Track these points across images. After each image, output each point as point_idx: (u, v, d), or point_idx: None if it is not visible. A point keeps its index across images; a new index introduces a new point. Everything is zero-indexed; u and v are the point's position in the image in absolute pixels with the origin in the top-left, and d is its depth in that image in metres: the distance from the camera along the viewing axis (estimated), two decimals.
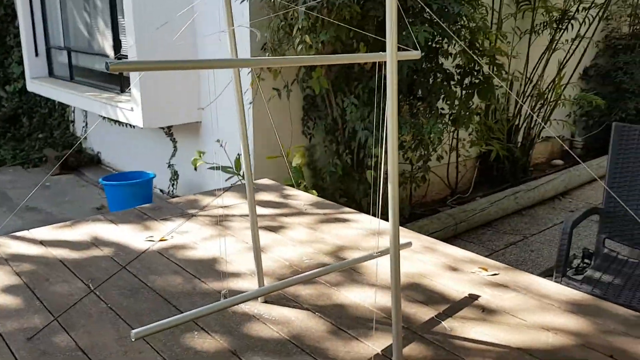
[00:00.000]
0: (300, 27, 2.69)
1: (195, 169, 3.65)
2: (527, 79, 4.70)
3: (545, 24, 4.62)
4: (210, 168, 3.52)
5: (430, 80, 3.49)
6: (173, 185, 4.41)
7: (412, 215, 3.94)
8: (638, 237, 2.32)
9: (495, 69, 3.64)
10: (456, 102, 3.51)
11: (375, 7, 2.93)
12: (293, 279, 1.30)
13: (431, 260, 1.56)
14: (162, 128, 4.30)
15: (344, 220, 1.89)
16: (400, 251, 1.26)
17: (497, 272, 1.47)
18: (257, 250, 1.33)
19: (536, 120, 4.87)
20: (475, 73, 3.64)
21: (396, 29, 1.06)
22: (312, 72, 3.27)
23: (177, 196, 3.29)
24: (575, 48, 4.74)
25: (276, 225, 1.85)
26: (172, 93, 3.76)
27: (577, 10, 4.56)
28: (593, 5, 4.59)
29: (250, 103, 3.29)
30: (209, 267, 1.55)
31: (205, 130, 3.97)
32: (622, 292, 2.03)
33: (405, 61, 3.08)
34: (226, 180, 3.42)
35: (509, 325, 1.22)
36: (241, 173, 3.38)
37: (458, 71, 3.65)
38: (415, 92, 3.50)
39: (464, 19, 3.31)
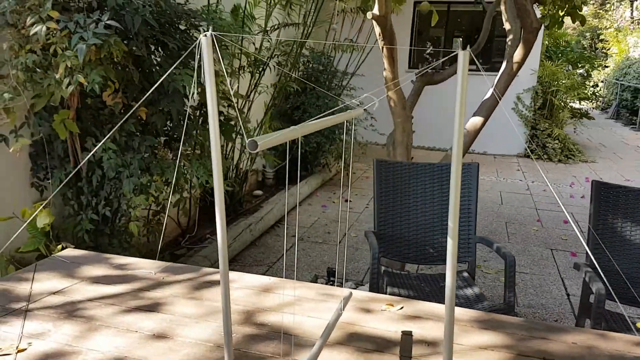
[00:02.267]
0: (69, 65, 2.29)
1: None
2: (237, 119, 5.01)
3: (243, 68, 5.04)
4: None
5: (183, 122, 3.41)
6: None
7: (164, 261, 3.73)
8: (405, 252, 2.82)
9: (233, 110, 3.82)
10: (206, 143, 3.53)
11: (139, 46, 2.72)
12: None
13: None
14: None
15: (216, 282, 1.74)
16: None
17: (402, 306, 1.63)
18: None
19: (248, 156, 5.24)
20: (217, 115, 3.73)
21: (213, 79, 1.06)
22: (54, 115, 2.79)
23: None
24: (275, 91, 5.31)
25: (150, 303, 1.57)
26: None
27: (271, 57, 5.15)
28: (276, 55, 5.26)
29: None
30: None
31: None
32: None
33: (174, 105, 2.95)
34: None
35: (458, 352, 1.40)
36: None
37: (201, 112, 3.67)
38: (173, 135, 3.37)
39: None
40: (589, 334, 1.48)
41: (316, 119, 1.07)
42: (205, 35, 1.00)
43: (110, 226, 3.24)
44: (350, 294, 1.54)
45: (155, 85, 2.80)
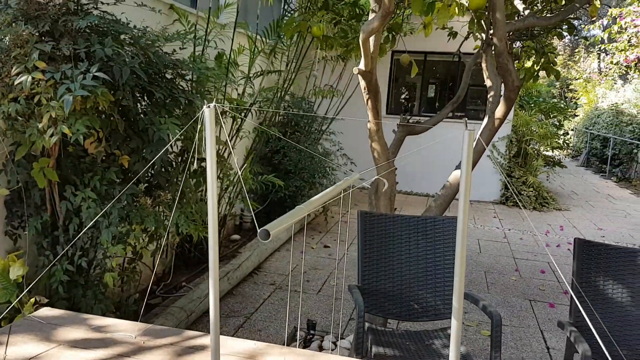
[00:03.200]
0: (54, 115, 2.25)
1: None
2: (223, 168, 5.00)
3: (226, 113, 5.05)
4: None
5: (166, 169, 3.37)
6: None
7: (135, 313, 3.61)
8: (388, 308, 2.79)
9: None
10: (190, 192, 3.48)
11: (126, 96, 2.70)
12: None
13: None
14: None
15: (200, 348, 1.68)
16: None
17: None
18: None
19: (227, 200, 5.19)
20: (199, 161, 3.71)
21: (214, 147, 1.07)
22: (33, 163, 2.73)
23: None
24: (256, 135, 5.32)
25: None
26: None
27: (254, 102, 5.18)
28: (258, 101, 5.30)
29: None
30: None
31: None
32: None
33: (166, 153, 2.92)
34: None
35: None
36: None
37: (183, 158, 3.64)
38: (154, 182, 3.32)
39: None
40: None
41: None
42: (209, 107, 0.99)
43: (85, 276, 3.14)
44: None
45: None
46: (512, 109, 8.88)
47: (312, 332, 3.72)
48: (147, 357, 1.59)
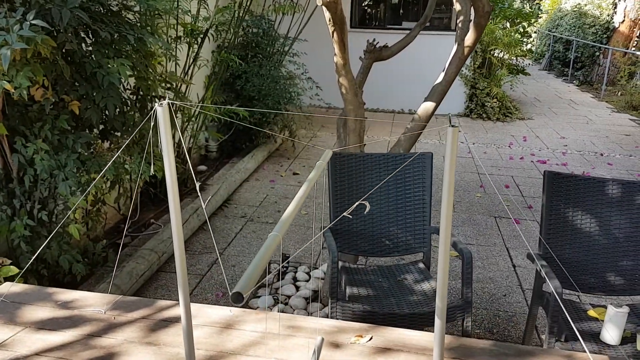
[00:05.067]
0: None
1: None
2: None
3: (181, 38, 4.76)
4: None
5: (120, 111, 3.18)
6: None
7: (104, 259, 3.56)
8: (360, 246, 2.79)
9: (172, 92, 3.61)
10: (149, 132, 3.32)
11: (69, 39, 2.46)
12: None
13: (297, 342, 1.56)
14: None
15: (173, 320, 1.64)
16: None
17: (371, 336, 1.60)
18: None
19: (190, 133, 5.02)
20: (158, 99, 3.51)
21: (171, 147, 0.98)
22: None
23: None
24: (214, 62, 5.06)
25: (103, 354, 1.46)
26: None
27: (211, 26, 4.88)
28: (214, 24, 5.00)
29: None
30: None
31: None
32: (383, 302, 2.45)
33: (111, 99, 2.73)
34: None
35: None
36: None
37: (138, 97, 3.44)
38: (107, 128, 3.14)
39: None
40: (557, 356, 1.50)
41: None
42: (162, 105, 0.88)
43: (48, 228, 3.03)
44: (322, 339, 1.49)
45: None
46: None
47: (285, 264, 3.75)
48: (118, 335, 1.54)
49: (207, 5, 5.15)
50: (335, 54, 2.92)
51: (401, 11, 9.31)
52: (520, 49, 9.53)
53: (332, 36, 2.84)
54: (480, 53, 8.86)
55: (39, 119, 2.78)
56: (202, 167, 5.83)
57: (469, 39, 2.96)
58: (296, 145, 6.77)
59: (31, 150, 2.70)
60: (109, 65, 2.70)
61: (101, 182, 3.15)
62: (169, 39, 4.57)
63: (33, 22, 2.05)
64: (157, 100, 3.53)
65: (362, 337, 1.59)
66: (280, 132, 6.44)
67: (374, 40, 3.67)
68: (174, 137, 4.81)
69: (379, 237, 2.82)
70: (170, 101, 0.89)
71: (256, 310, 1.70)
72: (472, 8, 3.04)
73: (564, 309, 2.30)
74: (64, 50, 2.67)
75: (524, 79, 12.31)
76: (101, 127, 3.20)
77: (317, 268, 3.72)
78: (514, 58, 9.83)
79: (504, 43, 9.00)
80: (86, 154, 2.94)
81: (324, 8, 2.67)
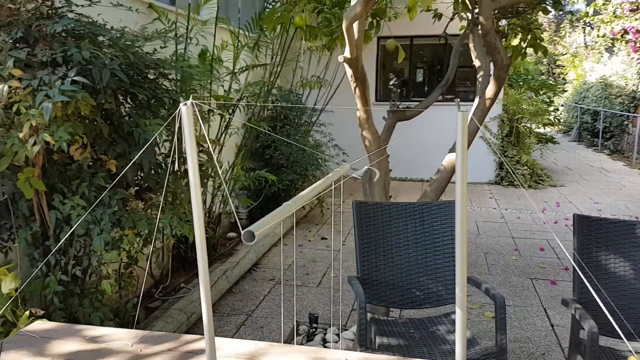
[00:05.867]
0: (34, 124, 2.19)
1: None
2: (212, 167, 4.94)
3: (213, 112, 4.98)
4: None
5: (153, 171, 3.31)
6: None
7: (134, 318, 3.57)
8: (390, 296, 2.75)
9: (204, 155, 3.74)
10: (181, 192, 3.43)
11: (108, 99, 2.63)
12: None
13: None
14: None
15: (198, 352, 1.63)
16: None
17: None
18: None
19: (220, 198, 5.14)
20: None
21: (194, 146, 1.02)
22: (18, 173, 2.67)
23: None
24: (245, 130, 5.26)
25: None
26: None
27: (240, 98, 5.12)
28: (245, 97, 5.24)
29: None
30: None
31: None
32: (414, 350, 2.37)
33: (146, 156, 2.86)
34: None
35: None
36: None
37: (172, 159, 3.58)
38: (144, 185, 3.26)
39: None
40: None
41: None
42: (185, 104, 0.95)
43: (81, 285, 3.08)
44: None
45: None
46: (502, 88, 8.86)
47: (314, 325, 3.68)
48: None
49: (239, 80, 5.43)
50: (358, 109, 3.03)
51: (426, 88, 9.58)
52: (547, 118, 9.60)
53: (355, 92, 2.96)
54: (508, 122, 8.96)
55: (77, 177, 2.91)
56: (232, 234, 5.89)
57: (490, 91, 3.03)
58: (324, 212, 6.81)
59: (68, 206, 2.81)
60: (146, 125, 2.85)
61: (134, 240, 3.23)
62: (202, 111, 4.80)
63: (74, 78, 2.21)
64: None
65: None
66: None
67: (397, 99, 3.80)
68: (204, 202, 4.92)
69: (408, 287, 2.77)
70: (195, 102, 0.96)
71: (281, 344, 1.68)
72: (491, 63, 3.14)
73: (601, 351, 2.19)
74: (103, 111, 2.84)
75: (554, 148, 12.30)
76: (136, 188, 3.32)
77: (347, 329, 3.63)
78: (542, 127, 9.89)
79: (530, 112, 9.10)
80: (121, 210, 3.03)
81: (345, 65, 2.80)
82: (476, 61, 3.18)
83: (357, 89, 2.94)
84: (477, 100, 3.13)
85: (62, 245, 2.95)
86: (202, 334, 1.70)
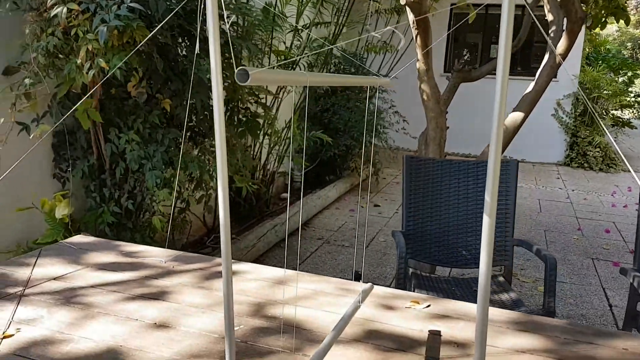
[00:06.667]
0: (91, 48, 2.23)
1: None
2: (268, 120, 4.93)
3: (274, 68, 4.95)
4: None
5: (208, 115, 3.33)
6: None
7: None
8: (435, 254, 2.65)
9: (260, 107, 3.73)
10: (233, 140, 3.44)
11: (163, 33, 2.65)
12: None
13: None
14: None
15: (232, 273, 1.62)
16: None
17: (428, 304, 1.48)
18: (230, 326, 1.03)
19: (275, 157, 5.14)
20: (244, 110, 3.64)
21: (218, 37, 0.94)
22: (77, 104, 2.74)
23: None
24: (302, 92, 5.21)
25: (156, 291, 1.46)
26: None
27: (301, 55, 5.06)
28: (306, 54, 5.16)
29: (2, 142, 2.55)
30: None
31: None
32: None
33: (199, 96, 2.87)
34: None
35: (491, 355, 1.24)
36: None
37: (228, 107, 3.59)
38: (195, 128, 3.30)
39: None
40: (636, 340, 1.30)
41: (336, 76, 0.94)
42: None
43: (134, 220, 3.17)
44: (371, 286, 1.40)
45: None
46: (579, 64, 8.32)
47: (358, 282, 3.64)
48: (174, 279, 1.54)
49: (302, 37, 5.37)
50: (417, 59, 2.90)
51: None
52: (625, 99, 8.99)
53: (415, 40, 2.83)
54: (582, 101, 8.46)
55: (132, 112, 2.96)
56: (285, 195, 5.91)
57: (562, 46, 2.83)
58: (379, 181, 6.70)
59: (123, 140, 2.87)
60: (200, 64, 2.85)
61: (185, 179, 3.27)
62: (262, 64, 4.78)
63: (131, 5, 2.23)
64: (243, 111, 3.66)
65: (419, 303, 1.47)
66: (364, 166, 6.42)
67: (464, 57, 3.62)
68: (259, 159, 4.94)
69: (455, 246, 2.66)
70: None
71: (310, 273, 1.64)
72: (564, 18, 2.92)
73: None
74: (159, 46, 2.86)
75: (631, 134, 11.54)
76: (189, 133, 3.35)
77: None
78: (619, 109, 9.28)
79: (608, 93, 8.54)
80: (173, 149, 3.07)
81: (407, 9, 2.68)
82: (549, 15, 2.97)
83: (418, 37, 2.81)
84: (546, 56, 2.92)
85: (117, 180, 3.03)
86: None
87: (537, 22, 0.87)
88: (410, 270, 2.70)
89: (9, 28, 2.52)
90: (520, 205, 5.96)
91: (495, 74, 0.89)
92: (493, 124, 0.87)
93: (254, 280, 1.57)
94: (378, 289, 1.56)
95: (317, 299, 1.46)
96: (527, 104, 2.91)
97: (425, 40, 2.82)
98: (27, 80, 2.40)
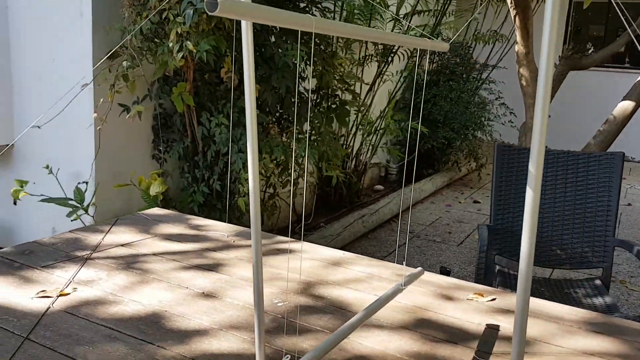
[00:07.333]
0: (180, 31, 2.32)
1: (15, 202, 2.90)
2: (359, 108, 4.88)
3: (371, 56, 4.87)
4: (44, 200, 2.83)
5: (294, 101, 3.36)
6: None
7: None
8: None
9: (349, 94, 3.69)
10: (321, 127, 3.43)
11: None
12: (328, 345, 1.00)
13: (417, 290, 1.38)
14: None
15: (286, 251, 1.60)
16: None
17: (494, 297, 1.36)
18: (260, 299, 1.00)
19: (368, 146, 5.08)
20: (332, 98, 3.62)
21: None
22: (173, 88, 2.88)
23: None
24: (399, 81, 5.09)
25: (212, 263, 1.48)
26: None
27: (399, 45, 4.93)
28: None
29: (102, 122, 2.74)
30: (157, 326, 1.13)
31: (20, 156, 3.23)
32: None
33: (284, 80, 2.90)
34: (69, 216, 2.77)
35: (553, 354, 1.10)
36: (86, 205, 2.78)
37: (313, 95, 3.59)
38: (282, 114, 3.34)
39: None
40: None
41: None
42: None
43: (222, 202, 3.27)
44: (421, 271, 1.31)
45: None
46: None
47: None
48: (232, 253, 1.55)
49: (402, 24, 5.24)
50: (516, 42, 2.70)
51: (626, 60, 8.32)
52: None
53: (514, 21, 2.64)
54: None
55: (223, 97, 3.05)
56: (379, 187, 5.82)
57: None
58: (482, 177, 6.38)
59: (214, 123, 2.96)
60: (287, 49, 2.86)
61: (270, 164, 3.31)
62: (359, 57, 4.72)
63: None
64: (333, 98, 3.64)
65: (482, 296, 1.36)
66: (465, 161, 6.15)
67: (573, 45, 3.33)
68: (352, 149, 4.90)
69: (549, 244, 2.45)
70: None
71: (369, 257, 1.58)
72: None
73: None
74: None
75: None
76: (276, 119, 3.39)
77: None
78: None
79: None
80: (260, 134, 3.13)
81: None
82: None
83: (516, 18, 2.61)
84: None
85: (209, 162, 3.14)
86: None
87: None
88: (497, 267, 2.52)
89: (109, 12, 2.69)
90: (631, 209, 5.40)
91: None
92: (536, 113, 0.75)
93: (310, 260, 1.53)
94: (442, 279, 1.46)
95: (370, 283, 1.40)
96: (639, 92, 2.61)
97: (525, 21, 2.61)
98: (125, 63, 2.55)
